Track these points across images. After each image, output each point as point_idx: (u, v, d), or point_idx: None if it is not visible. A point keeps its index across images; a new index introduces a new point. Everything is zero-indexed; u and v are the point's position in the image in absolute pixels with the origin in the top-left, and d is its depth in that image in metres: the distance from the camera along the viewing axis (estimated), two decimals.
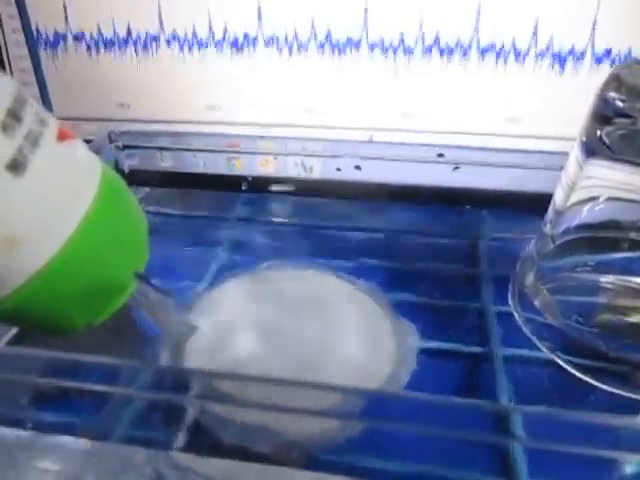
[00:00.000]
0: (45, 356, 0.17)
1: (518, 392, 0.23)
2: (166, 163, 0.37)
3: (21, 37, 0.39)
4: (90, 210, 0.17)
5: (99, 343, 0.20)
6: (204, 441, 0.18)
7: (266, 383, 0.17)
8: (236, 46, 0.37)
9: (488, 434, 0.16)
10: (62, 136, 0.17)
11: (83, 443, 0.18)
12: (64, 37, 0.39)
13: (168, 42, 0.38)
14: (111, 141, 0.35)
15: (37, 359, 0.17)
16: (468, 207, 0.35)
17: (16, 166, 0.15)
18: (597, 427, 0.15)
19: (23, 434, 0.18)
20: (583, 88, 0.34)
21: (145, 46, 0.38)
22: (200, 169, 0.37)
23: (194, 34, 0.37)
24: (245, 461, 0.17)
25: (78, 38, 0.39)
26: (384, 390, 0.21)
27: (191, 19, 0.37)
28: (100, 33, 0.38)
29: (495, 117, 0.36)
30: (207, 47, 0.38)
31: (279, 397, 0.16)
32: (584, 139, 0.22)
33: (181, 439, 0.18)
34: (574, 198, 0.23)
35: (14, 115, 0.15)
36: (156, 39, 0.38)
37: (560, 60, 0.34)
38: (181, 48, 0.38)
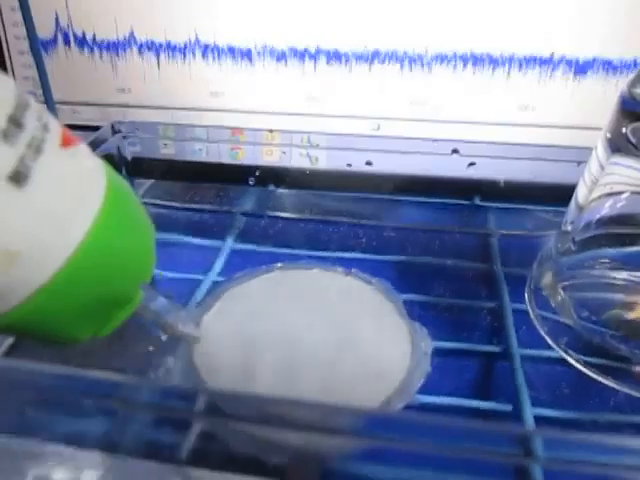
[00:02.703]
0: (49, 371, 0.16)
1: (536, 393, 0.23)
2: (168, 150, 0.37)
3: (19, 18, 0.38)
4: (96, 220, 0.16)
5: (104, 344, 0.20)
6: (216, 454, 0.17)
7: (272, 402, 0.16)
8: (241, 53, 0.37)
9: (504, 453, 0.16)
10: (66, 142, 0.16)
11: (91, 454, 0.17)
12: (65, 32, 0.38)
13: (172, 47, 0.37)
14: (115, 132, 0.34)
15: (41, 373, 0.16)
16: (481, 201, 0.34)
17: (18, 177, 0.14)
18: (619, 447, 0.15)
19: (31, 444, 0.18)
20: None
21: (148, 49, 0.38)
22: (203, 158, 0.36)
23: (197, 40, 0.37)
24: (258, 475, 0.17)
25: (78, 38, 0.38)
26: (398, 412, 0.21)
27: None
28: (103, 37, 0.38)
29: (506, 106, 0.35)
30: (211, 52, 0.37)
31: (289, 413, 0.16)
32: (609, 135, 0.21)
33: (193, 451, 0.17)
34: (596, 194, 0.23)
35: (16, 121, 0.14)
36: (159, 45, 0.37)
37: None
38: (182, 51, 0.37)
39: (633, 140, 0.20)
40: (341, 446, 0.17)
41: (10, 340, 0.21)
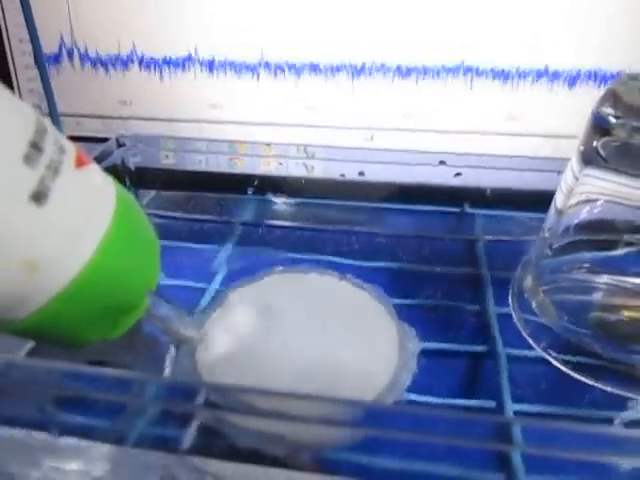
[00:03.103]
0: (61, 368, 0.17)
1: (519, 390, 0.24)
2: (169, 161, 0.38)
3: (25, 34, 0.39)
4: (107, 233, 0.18)
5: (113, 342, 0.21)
6: (218, 444, 0.19)
7: (271, 395, 0.17)
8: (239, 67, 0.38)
9: (488, 441, 0.17)
10: (79, 162, 0.18)
11: (102, 446, 0.19)
12: (69, 47, 0.39)
13: (172, 60, 0.39)
14: (119, 145, 0.35)
15: (53, 370, 0.17)
16: (468, 209, 0.35)
17: (38, 196, 0.16)
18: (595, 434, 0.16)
19: (46, 437, 0.19)
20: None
21: (148, 66, 0.39)
22: (202, 167, 0.38)
23: (196, 54, 0.38)
24: (258, 464, 0.18)
25: (82, 52, 0.39)
26: (389, 404, 0.22)
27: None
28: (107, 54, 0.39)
29: (494, 116, 0.37)
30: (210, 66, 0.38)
31: (286, 406, 0.17)
32: (582, 148, 0.23)
33: (195, 442, 0.19)
34: (572, 201, 0.24)
35: (36, 146, 0.16)
36: (160, 59, 0.39)
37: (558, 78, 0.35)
38: (182, 65, 0.39)
39: (603, 154, 0.22)
40: (336, 437, 0.19)
41: (31, 344, 0.23)
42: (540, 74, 0.35)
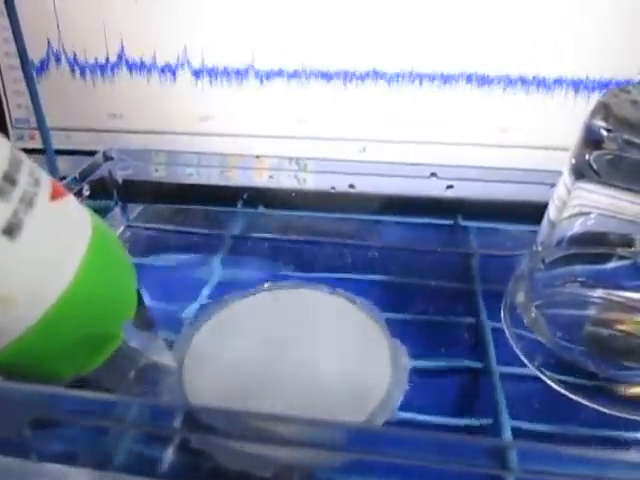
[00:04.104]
0: (39, 391, 0.17)
1: (516, 409, 0.23)
2: (160, 174, 0.38)
3: (12, 48, 0.39)
4: (82, 265, 0.17)
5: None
6: (204, 467, 0.18)
7: (257, 418, 0.17)
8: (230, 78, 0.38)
9: (482, 465, 0.17)
10: (55, 194, 0.17)
11: (83, 472, 0.18)
12: (57, 56, 0.39)
13: (162, 70, 0.38)
14: (106, 159, 0.35)
15: (31, 392, 0.17)
16: (461, 221, 0.35)
17: (11, 230, 0.15)
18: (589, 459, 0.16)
19: (24, 463, 0.18)
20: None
21: (137, 77, 0.39)
22: (194, 180, 0.37)
23: (188, 65, 0.38)
24: None
25: (70, 61, 0.39)
26: (380, 426, 0.21)
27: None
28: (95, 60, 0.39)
29: (486, 128, 0.36)
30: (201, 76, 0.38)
31: (274, 427, 0.17)
32: (573, 162, 0.23)
33: (181, 465, 0.18)
34: (565, 214, 0.24)
35: (9, 179, 0.16)
36: (149, 68, 0.38)
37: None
38: (173, 73, 0.38)
39: (595, 167, 0.21)
40: (325, 458, 0.18)
41: None
42: (533, 84, 0.35)
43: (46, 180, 0.17)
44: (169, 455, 0.18)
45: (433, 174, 0.33)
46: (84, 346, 0.18)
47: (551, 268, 0.25)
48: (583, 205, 0.23)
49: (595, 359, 0.23)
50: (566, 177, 0.23)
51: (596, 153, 0.21)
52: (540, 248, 0.25)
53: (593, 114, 0.21)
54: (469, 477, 0.17)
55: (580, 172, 0.22)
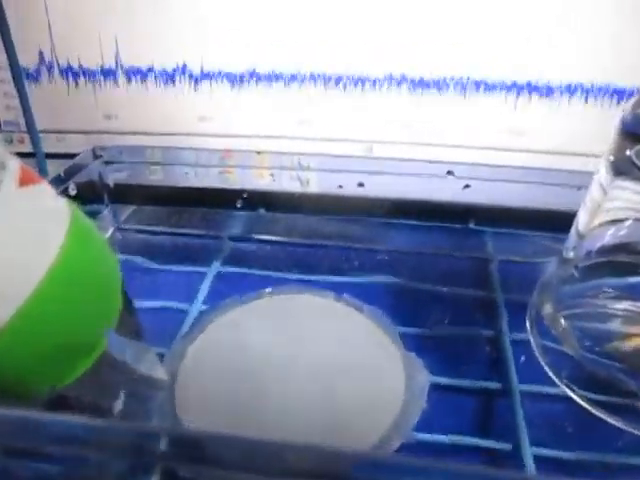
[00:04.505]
0: (6, 416, 0.14)
1: (537, 431, 0.21)
2: (155, 177, 0.36)
3: (1, 47, 0.37)
4: (56, 263, 0.15)
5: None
6: None
7: (259, 445, 0.15)
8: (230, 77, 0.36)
9: None
10: (24, 180, 0.16)
11: None
12: (50, 62, 0.38)
13: (159, 74, 0.37)
14: (96, 157, 0.33)
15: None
16: (477, 226, 0.33)
17: None
18: None
19: None
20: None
21: (133, 78, 0.37)
22: (192, 183, 0.35)
23: (184, 65, 0.36)
24: None
25: (63, 66, 0.38)
26: (394, 456, 0.19)
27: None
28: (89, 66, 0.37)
29: (498, 130, 0.35)
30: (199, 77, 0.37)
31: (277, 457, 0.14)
32: (612, 158, 0.21)
33: None
34: (597, 220, 0.22)
35: None
36: (146, 73, 0.37)
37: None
38: (169, 76, 0.37)
39: (638, 163, 0.19)
40: None
41: None
42: (548, 89, 0.33)
43: (14, 164, 0.16)
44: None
45: (450, 172, 0.31)
46: (62, 353, 0.16)
47: (582, 278, 0.23)
48: (620, 208, 0.21)
49: (631, 376, 0.21)
50: (602, 177, 0.21)
51: (638, 147, 0.19)
52: (571, 255, 0.23)
53: (636, 106, 0.19)
54: None
55: (620, 169, 0.20)
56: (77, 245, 0.16)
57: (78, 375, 0.17)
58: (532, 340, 0.24)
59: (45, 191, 0.17)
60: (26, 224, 0.15)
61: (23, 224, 0.15)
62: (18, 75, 0.35)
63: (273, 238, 0.34)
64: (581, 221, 0.23)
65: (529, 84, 0.33)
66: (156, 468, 0.16)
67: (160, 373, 0.20)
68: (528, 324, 0.25)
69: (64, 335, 0.16)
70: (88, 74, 0.37)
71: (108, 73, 0.37)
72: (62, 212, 0.17)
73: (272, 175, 0.34)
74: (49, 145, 0.39)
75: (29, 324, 0.15)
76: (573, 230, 0.24)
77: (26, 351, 0.15)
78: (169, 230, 0.34)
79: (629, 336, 0.23)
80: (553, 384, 0.23)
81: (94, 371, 0.17)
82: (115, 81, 0.37)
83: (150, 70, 0.37)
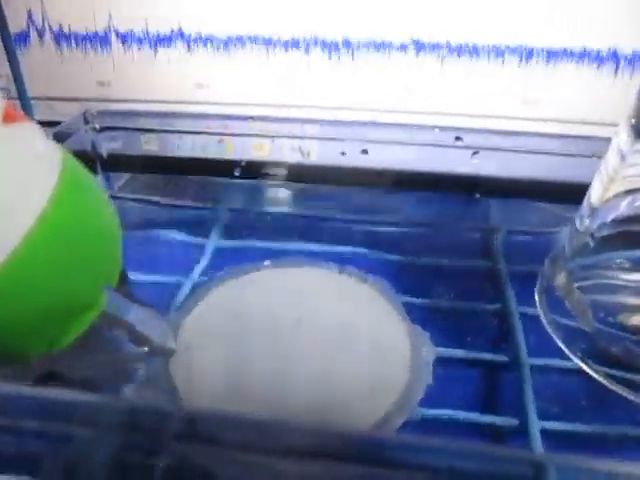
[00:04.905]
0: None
1: (546, 405, 0.21)
2: (150, 146, 0.34)
3: None
4: (46, 209, 0.14)
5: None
6: (192, 476, 0.15)
7: (253, 423, 0.14)
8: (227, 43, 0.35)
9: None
10: (9, 118, 0.14)
11: None
12: (41, 26, 0.36)
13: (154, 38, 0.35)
14: (87, 122, 0.32)
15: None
16: (484, 196, 0.32)
17: None
18: None
19: None
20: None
21: (126, 43, 0.36)
22: (188, 153, 0.34)
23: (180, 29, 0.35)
24: None
25: (55, 31, 0.36)
26: (398, 435, 0.18)
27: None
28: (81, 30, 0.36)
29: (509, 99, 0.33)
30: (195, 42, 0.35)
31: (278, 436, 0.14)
32: (633, 122, 0.19)
33: (165, 475, 0.15)
34: (613, 189, 0.21)
35: None
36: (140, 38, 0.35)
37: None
38: (165, 41, 0.36)
39: None
40: (333, 470, 0.15)
41: None
42: (559, 54, 0.32)
43: None
44: (152, 464, 0.15)
45: (458, 138, 0.29)
46: (53, 314, 0.15)
47: (596, 248, 0.22)
48: (638, 175, 0.20)
49: None
50: (622, 141, 0.20)
51: None
52: (586, 224, 0.22)
53: None
54: None
55: None
56: (70, 192, 0.15)
57: (75, 336, 0.16)
58: (541, 312, 0.24)
59: (33, 131, 0.16)
60: (13, 164, 0.14)
61: (10, 164, 0.14)
62: (8, 40, 0.33)
63: (273, 209, 0.32)
64: (595, 190, 0.22)
65: (539, 49, 0.32)
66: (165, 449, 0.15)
67: (171, 342, 0.20)
68: (537, 296, 0.24)
69: (58, 288, 0.15)
70: (80, 39, 0.36)
71: (101, 38, 0.36)
72: (53, 154, 0.16)
73: (272, 143, 0.33)
74: (41, 113, 0.38)
75: (20, 273, 0.14)
76: (586, 200, 0.23)
77: (18, 303, 0.14)
78: (165, 200, 0.33)
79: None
80: (562, 357, 0.22)
81: (90, 334, 0.17)
82: (108, 46, 0.36)
83: (144, 35, 0.35)
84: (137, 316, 0.18)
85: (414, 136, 0.30)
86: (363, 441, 0.15)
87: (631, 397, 0.20)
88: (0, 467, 0.15)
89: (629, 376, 0.21)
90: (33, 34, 0.36)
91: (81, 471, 0.15)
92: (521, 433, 0.20)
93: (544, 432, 0.20)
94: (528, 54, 0.32)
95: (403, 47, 0.33)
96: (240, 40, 0.35)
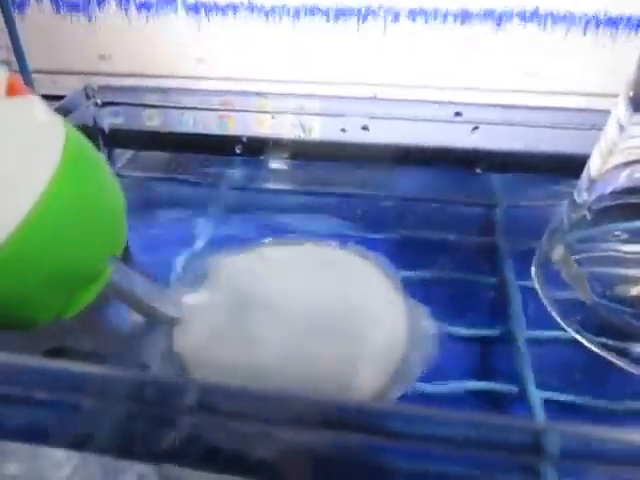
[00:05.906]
0: (10, 361, 0.14)
1: (544, 377, 0.21)
2: (152, 122, 0.34)
3: None
4: (51, 182, 0.14)
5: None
6: (198, 448, 0.16)
7: (254, 396, 0.14)
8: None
9: (513, 449, 0.14)
10: (13, 90, 0.14)
11: (58, 452, 0.16)
12: None
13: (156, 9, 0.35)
14: (88, 97, 0.31)
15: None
16: (485, 171, 0.32)
17: None
18: None
19: None
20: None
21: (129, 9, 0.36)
22: (190, 129, 0.34)
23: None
24: (242, 472, 0.15)
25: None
26: (396, 405, 0.19)
27: None
28: None
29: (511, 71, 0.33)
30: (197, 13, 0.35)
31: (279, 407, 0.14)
32: (631, 94, 0.19)
33: (172, 447, 0.16)
34: (612, 161, 0.21)
35: None
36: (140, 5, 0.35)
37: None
38: (166, 13, 0.36)
39: None
40: (334, 441, 0.16)
41: None
42: (558, 19, 0.31)
43: (1, 73, 0.15)
44: (157, 435, 0.16)
45: (458, 114, 0.29)
46: (60, 285, 0.16)
47: (594, 220, 0.22)
48: (637, 147, 0.20)
49: None
50: (621, 113, 0.20)
51: None
52: (582, 199, 0.22)
53: None
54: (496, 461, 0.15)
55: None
56: (75, 165, 0.15)
57: (83, 306, 0.16)
58: (538, 286, 0.24)
59: (36, 104, 0.16)
60: (16, 137, 0.14)
61: (12, 137, 0.14)
62: (8, 12, 0.33)
63: (274, 186, 0.33)
64: (594, 162, 0.22)
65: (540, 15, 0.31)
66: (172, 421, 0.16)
67: (176, 311, 0.20)
68: (534, 269, 0.24)
69: (66, 257, 0.15)
70: (81, 12, 0.36)
71: (101, 3, 0.36)
72: (56, 127, 0.16)
73: (273, 119, 0.33)
74: (43, 87, 0.38)
75: (26, 247, 0.14)
76: (585, 172, 0.23)
77: (23, 277, 0.15)
78: (167, 176, 0.33)
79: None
80: (560, 329, 0.22)
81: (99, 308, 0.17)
82: (108, 12, 0.36)
83: (145, 4, 0.35)
84: (143, 287, 0.18)
85: (414, 111, 0.30)
86: (362, 411, 0.15)
87: (629, 368, 0.21)
88: (10, 436, 0.15)
89: (626, 347, 0.21)
90: (32, 3, 0.36)
91: (89, 443, 0.16)
92: (520, 401, 0.20)
93: (544, 401, 0.20)
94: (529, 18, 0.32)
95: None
96: (241, 13, 0.34)
